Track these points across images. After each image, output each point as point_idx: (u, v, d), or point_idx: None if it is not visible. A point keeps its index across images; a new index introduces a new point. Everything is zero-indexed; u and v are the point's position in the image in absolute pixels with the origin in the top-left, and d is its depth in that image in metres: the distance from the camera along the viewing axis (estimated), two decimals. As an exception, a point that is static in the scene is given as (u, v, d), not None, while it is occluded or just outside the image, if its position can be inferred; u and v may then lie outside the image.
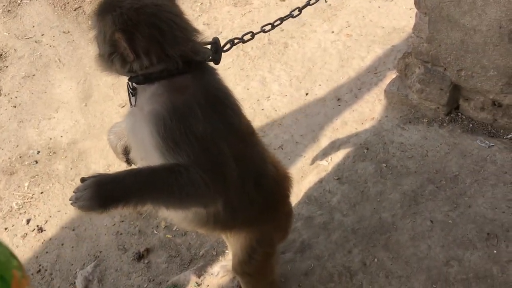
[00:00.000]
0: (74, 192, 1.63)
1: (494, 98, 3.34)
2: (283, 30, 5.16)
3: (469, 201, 3.10)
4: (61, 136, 4.54)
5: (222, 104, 1.90)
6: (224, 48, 2.25)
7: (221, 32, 5.38)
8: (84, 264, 3.42)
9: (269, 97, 4.44)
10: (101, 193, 1.58)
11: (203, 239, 3.38)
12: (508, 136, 3.41)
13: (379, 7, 5.10)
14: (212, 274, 3.06)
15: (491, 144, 3.38)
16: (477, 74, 3.29)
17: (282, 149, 3.86)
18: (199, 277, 3.07)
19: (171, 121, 1.69)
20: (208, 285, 3.02)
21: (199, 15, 5.64)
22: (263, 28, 2.74)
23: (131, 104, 1.90)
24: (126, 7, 1.70)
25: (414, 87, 3.68)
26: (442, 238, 2.97)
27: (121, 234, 3.56)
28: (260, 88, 4.56)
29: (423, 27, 3.38)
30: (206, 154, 1.75)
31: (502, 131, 3.46)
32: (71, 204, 1.62)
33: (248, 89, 4.56)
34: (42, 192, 4.01)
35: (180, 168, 1.70)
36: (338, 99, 4.20)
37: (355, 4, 5.23)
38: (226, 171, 1.82)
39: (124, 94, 4.87)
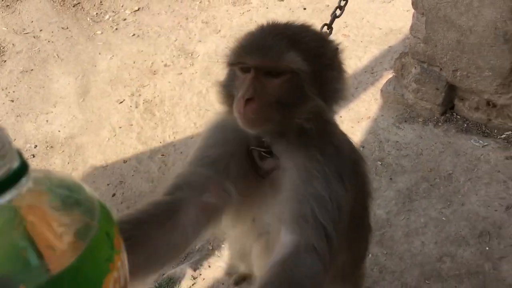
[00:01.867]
0: None
1: (489, 98, 3.39)
2: (281, 29, 5.21)
3: (463, 199, 3.15)
4: (59, 131, 4.55)
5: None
6: None
7: (219, 31, 5.42)
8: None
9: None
10: None
11: (199, 234, 3.41)
12: (502, 136, 3.46)
13: (377, 8, 5.16)
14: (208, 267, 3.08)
15: (485, 143, 3.43)
16: (472, 74, 3.34)
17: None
18: (194, 270, 3.09)
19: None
20: (204, 278, 3.05)
21: (198, 13, 5.67)
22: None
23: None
24: None
25: (410, 86, 3.73)
26: (435, 235, 3.01)
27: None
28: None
29: (420, 27, 3.43)
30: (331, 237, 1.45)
31: (496, 131, 3.51)
32: None
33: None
34: (39, 186, 4.02)
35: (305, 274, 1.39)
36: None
37: (353, 5, 5.24)
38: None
39: (121, 91, 4.90)
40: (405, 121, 3.78)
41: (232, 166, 1.50)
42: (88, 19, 5.95)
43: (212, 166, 1.50)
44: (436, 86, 3.56)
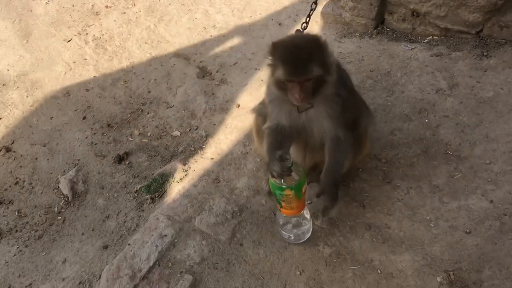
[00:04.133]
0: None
1: (414, 8, 4.06)
2: (216, -30, 5.53)
3: (402, 88, 3.79)
4: (8, 70, 4.51)
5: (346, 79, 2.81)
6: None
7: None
8: (64, 171, 3.57)
9: (215, 26, 4.80)
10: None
11: (179, 140, 3.70)
12: (425, 41, 4.16)
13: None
14: (195, 162, 3.41)
15: (413, 47, 4.11)
16: (400, -14, 3.98)
17: (238, 64, 4.27)
18: (184, 165, 3.40)
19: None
20: (194, 170, 3.36)
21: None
22: None
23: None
24: None
25: (347, 5, 4.30)
26: (384, 116, 3.61)
27: (95, 144, 3.74)
28: (205, 19, 4.90)
29: (355, -51, 3.98)
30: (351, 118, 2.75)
31: (419, 37, 4.20)
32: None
33: (193, 20, 4.88)
34: (1, 118, 4.01)
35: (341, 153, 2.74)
36: (280, 24, 4.70)
37: None
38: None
39: (66, 31, 4.92)
40: (345, 36, 4.36)
41: (288, 111, 2.64)
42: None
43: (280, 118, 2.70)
44: (370, 2, 4.16)
